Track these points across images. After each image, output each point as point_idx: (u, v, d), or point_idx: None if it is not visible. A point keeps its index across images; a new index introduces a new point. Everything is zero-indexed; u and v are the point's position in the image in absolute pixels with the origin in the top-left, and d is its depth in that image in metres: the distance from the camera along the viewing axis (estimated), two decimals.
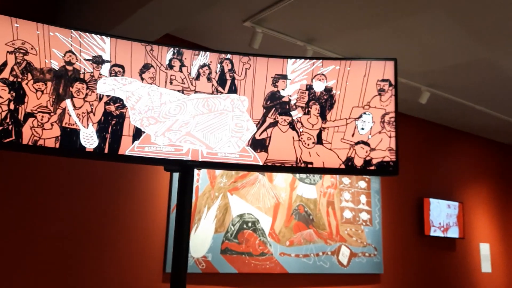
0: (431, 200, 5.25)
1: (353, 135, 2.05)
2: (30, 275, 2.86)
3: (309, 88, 2.09)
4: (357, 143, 2.05)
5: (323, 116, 2.08)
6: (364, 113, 2.07)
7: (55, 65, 1.85)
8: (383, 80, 2.08)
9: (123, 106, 1.93)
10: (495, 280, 5.96)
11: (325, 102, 2.08)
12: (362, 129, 2.06)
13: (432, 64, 4.05)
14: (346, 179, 4.58)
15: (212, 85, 2.05)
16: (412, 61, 3.98)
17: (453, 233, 5.38)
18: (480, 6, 3.07)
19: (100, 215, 3.17)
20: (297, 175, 4.20)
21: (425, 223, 5.15)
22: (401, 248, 4.97)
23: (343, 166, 2.03)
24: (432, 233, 5.15)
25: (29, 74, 1.79)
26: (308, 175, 4.27)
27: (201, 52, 2.08)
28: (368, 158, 2.04)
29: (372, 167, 2.03)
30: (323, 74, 2.09)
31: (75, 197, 3.10)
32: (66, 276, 2.98)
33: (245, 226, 3.80)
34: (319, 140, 2.05)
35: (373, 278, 4.63)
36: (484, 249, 5.90)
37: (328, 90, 2.09)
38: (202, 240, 3.54)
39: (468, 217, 5.77)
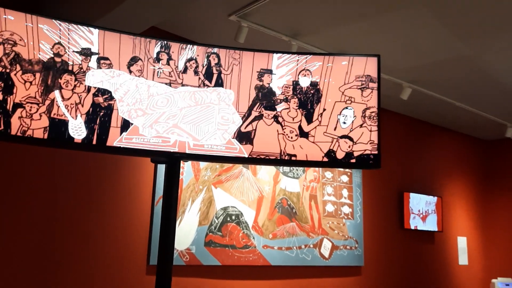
0: (411, 194, 5.37)
1: (335, 128, 2.11)
2: (11, 270, 2.85)
3: (295, 83, 2.15)
4: (340, 137, 2.11)
5: (306, 109, 2.13)
6: (346, 107, 2.13)
7: (44, 57, 1.86)
8: (364, 76, 2.15)
9: (111, 98, 1.95)
10: (472, 272, 6.12)
11: (312, 96, 2.14)
12: (344, 123, 2.12)
13: (414, 61, 4.12)
14: (328, 173, 4.65)
15: (199, 78, 2.09)
16: (394, 57, 4.06)
17: (432, 221, 5.51)
18: (462, 4, 3.14)
19: (84, 207, 3.18)
20: (281, 169, 4.26)
21: (405, 217, 5.26)
22: (381, 241, 5.07)
23: (325, 159, 2.09)
24: (411, 221, 5.28)
25: (17, 65, 1.80)
26: (291, 169, 4.33)
27: (188, 45, 2.11)
28: (349, 151, 2.10)
29: (353, 160, 2.09)
30: (308, 70, 2.15)
31: (58, 189, 3.09)
32: (50, 270, 2.98)
33: (228, 219, 3.84)
34: (303, 133, 2.10)
35: (354, 270, 4.72)
36: (462, 242, 6.05)
37: (314, 84, 2.14)
38: (186, 233, 3.57)
39: (447, 211, 5.90)
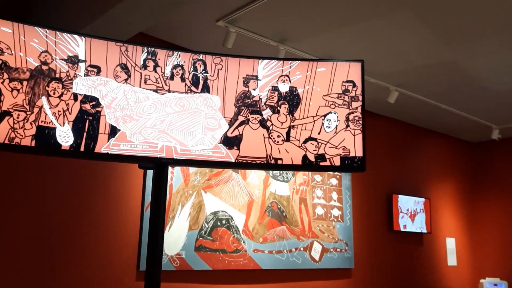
0: (400, 196, 5.42)
1: (319, 133, 2.15)
2: (1, 275, 2.85)
3: (276, 88, 2.18)
4: (324, 141, 2.15)
5: (291, 114, 2.17)
6: (330, 112, 2.17)
7: (31, 65, 1.88)
8: (347, 81, 2.19)
9: (99, 104, 1.97)
10: (460, 273, 6.19)
11: (290, 101, 2.18)
12: (328, 127, 2.16)
13: (400, 65, 4.18)
14: (318, 176, 4.68)
15: (186, 84, 2.12)
16: (381, 62, 4.11)
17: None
18: (446, 10, 3.20)
19: (73, 213, 3.18)
20: (270, 172, 4.28)
21: (394, 218, 5.31)
22: (371, 243, 5.11)
23: (310, 162, 2.13)
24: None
25: (4, 73, 1.81)
26: (281, 172, 4.36)
27: (175, 52, 2.13)
28: (333, 154, 2.13)
29: (338, 163, 2.13)
30: (286, 76, 2.19)
31: (47, 196, 3.09)
32: (39, 275, 2.97)
33: (219, 223, 3.85)
34: (288, 137, 2.14)
35: (345, 272, 4.75)
36: (450, 243, 6.11)
37: (292, 90, 2.18)
38: (176, 238, 3.58)
39: (435, 213, 5.96)
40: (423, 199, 5.69)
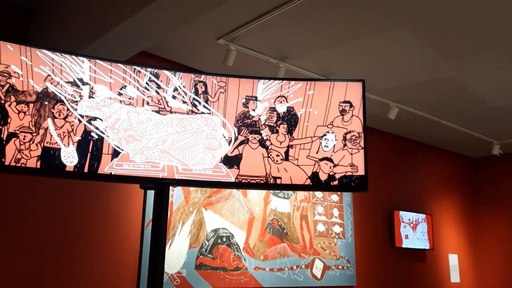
0: (401, 212, 5.42)
1: (317, 152, 2.19)
2: None
3: (274, 109, 2.23)
4: (321, 159, 2.18)
5: (290, 134, 2.21)
6: (328, 131, 2.21)
7: (37, 88, 1.93)
8: (344, 102, 2.23)
9: (103, 125, 2.01)
10: None
11: (288, 121, 2.22)
12: (326, 146, 2.19)
13: (400, 81, 4.21)
14: (319, 193, 4.69)
15: (187, 105, 2.16)
16: (381, 78, 4.14)
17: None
18: (444, 26, 3.25)
19: (73, 231, 3.18)
20: None
21: (396, 235, 5.30)
22: (373, 260, 5.09)
23: (309, 181, 2.16)
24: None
25: (12, 96, 1.86)
26: None
27: (177, 73, 2.18)
28: (331, 173, 2.16)
29: (335, 182, 2.16)
30: (283, 96, 2.23)
31: (48, 213, 3.10)
32: None
33: (219, 241, 3.85)
34: (287, 157, 2.18)
35: None
36: (453, 259, 6.08)
37: (289, 110, 2.23)
38: (176, 256, 3.58)
39: (437, 229, 5.95)
40: (425, 215, 5.69)
